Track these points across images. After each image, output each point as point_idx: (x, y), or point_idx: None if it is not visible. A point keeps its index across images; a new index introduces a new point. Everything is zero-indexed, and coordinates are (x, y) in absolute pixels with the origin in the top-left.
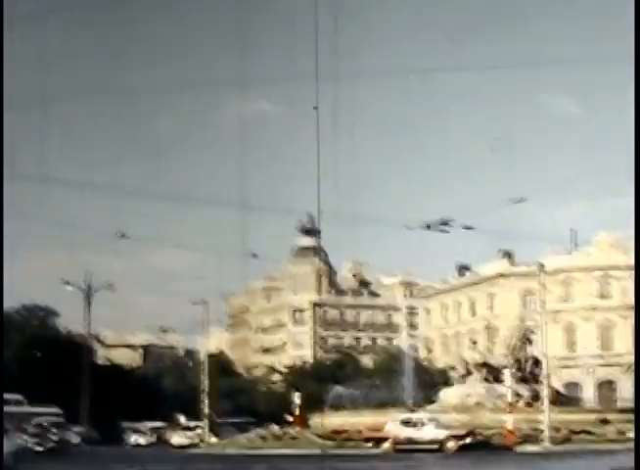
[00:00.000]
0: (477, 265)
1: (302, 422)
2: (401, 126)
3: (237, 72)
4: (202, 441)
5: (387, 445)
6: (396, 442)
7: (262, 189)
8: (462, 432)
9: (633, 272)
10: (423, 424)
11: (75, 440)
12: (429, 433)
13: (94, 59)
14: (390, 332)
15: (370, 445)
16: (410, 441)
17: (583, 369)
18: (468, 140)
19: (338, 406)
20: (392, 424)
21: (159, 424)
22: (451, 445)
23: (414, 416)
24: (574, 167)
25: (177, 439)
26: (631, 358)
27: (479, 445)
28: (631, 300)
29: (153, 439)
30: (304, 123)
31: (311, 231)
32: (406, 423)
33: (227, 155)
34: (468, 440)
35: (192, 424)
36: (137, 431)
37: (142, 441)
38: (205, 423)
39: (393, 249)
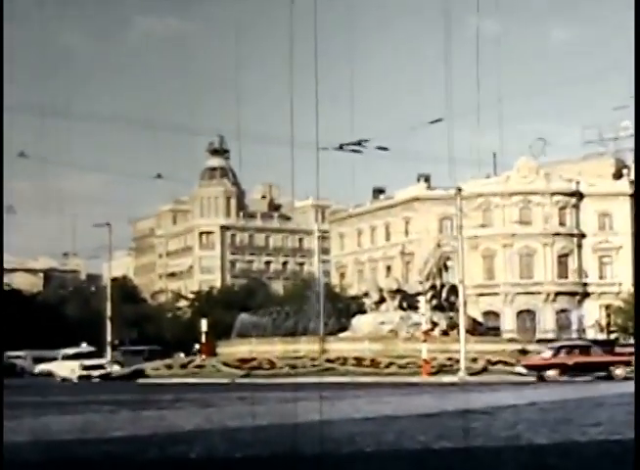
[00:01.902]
0: (392, 189)
1: (209, 350)
2: (314, 45)
3: None
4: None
5: (551, 372)
6: (564, 369)
7: (173, 109)
8: (627, 358)
9: (552, 200)
10: (589, 350)
11: None
12: (596, 359)
13: None
14: (302, 257)
15: (288, 371)
16: (579, 367)
17: (502, 298)
18: (385, 60)
19: (245, 334)
20: (559, 351)
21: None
22: (620, 372)
23: (579, 342)
24: (497, 91)
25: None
26: (552, 288)
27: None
28: (553, 227)
29: None
30: (212, 42)
31: (220, 151)
32: (570, 349)
33: (136, 73)
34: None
35: (50, 354)
36: None
37: None
38: (108, 351)
39: (306, 171)
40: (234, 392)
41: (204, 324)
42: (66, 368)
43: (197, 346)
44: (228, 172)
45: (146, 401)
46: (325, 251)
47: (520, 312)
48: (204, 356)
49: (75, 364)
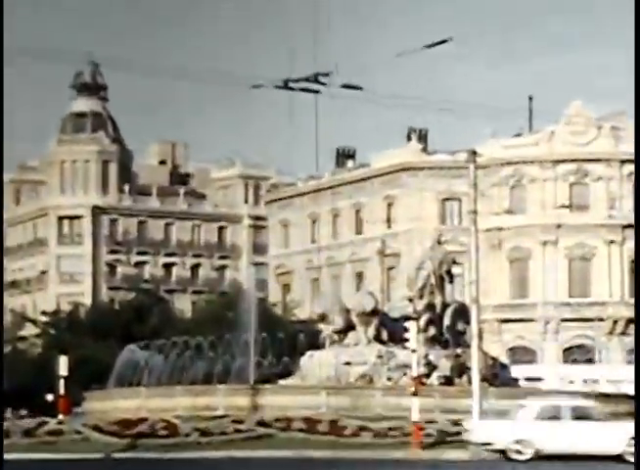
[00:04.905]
0: (367, 152)
1: (70, 406)
2: None
3: None
4: None
5: None
6: None
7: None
8: None
9: (622, 171)
10: None
11: None
12: None
13: None
14: (223, 257)
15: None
16: None
17: (540, 326)
18: None
19: (131, 380)
20: None
21: None
22: None
23: None
24: (527, 7)
25: None
26: (621, 312)
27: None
28: (623, 214)
29: None
30: None
31: (93, 88)
32: None
33: None
34: None
35: None
36: None
37: None
38: None
39: (230, 121)
40: None
41: (63, 364)
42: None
43: (50, 398)
44: (106, 122)
45: None
46: (260, 248)
47: (568, 350)
48: (62, 416)
49: None
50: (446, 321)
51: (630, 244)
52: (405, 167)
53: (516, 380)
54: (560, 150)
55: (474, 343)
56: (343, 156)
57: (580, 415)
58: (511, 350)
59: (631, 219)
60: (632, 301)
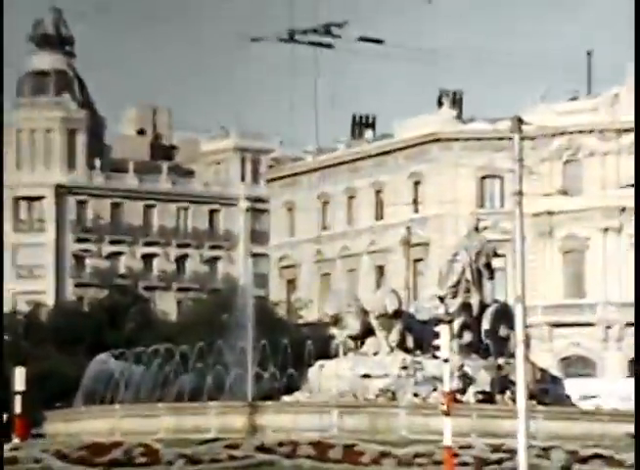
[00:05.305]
0: (389, 120)
1: (27, 428)
2: None
3: None
4: None
5: None
6: None
7: None
8: None
9: None
10: None
11: None
12: None
13: None
14: (215, 248)
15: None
16: None
17: (600, 331)
18: None
19: (103, 397)
20: None
21: None
22: None
23: None
24: None
25: None
26: None
27: None
28: None
29: None
30: None
31: (55, 40)
32: None
33: None
34: None
35: None
36: None
37: None
38: None
39: (224, 83)
40: None
41: (19, 377)
42: None
43: (4, 418)
44: (72, 82)
45: None
46: (259, 236)
47: (634, 360)
48: (18, 440)
49: None
50: (485, 325)
51: None
52: (436, 138)
53: (570, 397)
54: (624, 117)
55: (519, 351)
56: (361, 124)
57: None
58: (564, 360)
59: None
60: None
